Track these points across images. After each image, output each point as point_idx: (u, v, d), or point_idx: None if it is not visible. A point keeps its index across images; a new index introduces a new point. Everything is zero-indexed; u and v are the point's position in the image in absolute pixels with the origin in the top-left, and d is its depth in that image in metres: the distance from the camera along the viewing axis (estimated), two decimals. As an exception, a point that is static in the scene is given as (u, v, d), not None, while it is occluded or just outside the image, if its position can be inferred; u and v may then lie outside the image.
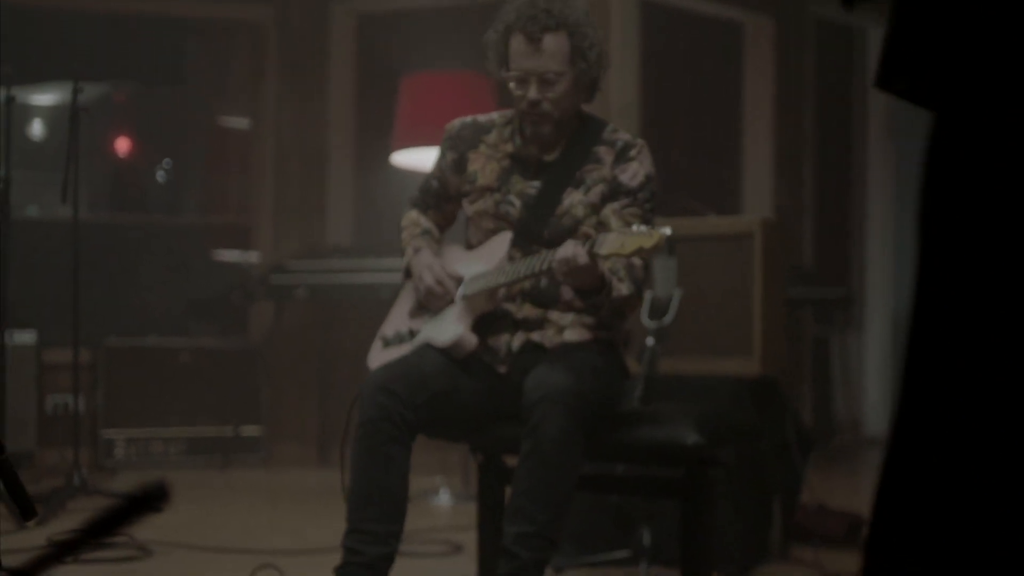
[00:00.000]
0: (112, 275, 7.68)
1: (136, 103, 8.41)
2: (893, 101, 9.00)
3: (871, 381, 9.08)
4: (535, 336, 3.69)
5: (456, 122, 3.93)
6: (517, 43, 3.67)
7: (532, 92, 3.67)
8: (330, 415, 7.56)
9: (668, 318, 4.16)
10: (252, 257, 8.05)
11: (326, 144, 7.88)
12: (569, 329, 3.68)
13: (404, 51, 7.63)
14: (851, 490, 6.49)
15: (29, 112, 7.90)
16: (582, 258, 3.36)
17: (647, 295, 4.20)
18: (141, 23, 7.91)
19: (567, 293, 3.66)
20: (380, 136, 7.13)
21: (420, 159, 6.54)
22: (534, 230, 3.72)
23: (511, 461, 3.64)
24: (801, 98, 8.17)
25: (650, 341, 4.11)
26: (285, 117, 7.94)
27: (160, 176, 8.25)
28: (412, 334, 3.81)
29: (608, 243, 3.30)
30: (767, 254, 4.62)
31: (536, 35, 3.64)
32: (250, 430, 7.44)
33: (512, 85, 3.72)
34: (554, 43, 3.65)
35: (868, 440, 8.95)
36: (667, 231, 3.22)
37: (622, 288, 3.55)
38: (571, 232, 3.67)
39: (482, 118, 3.91)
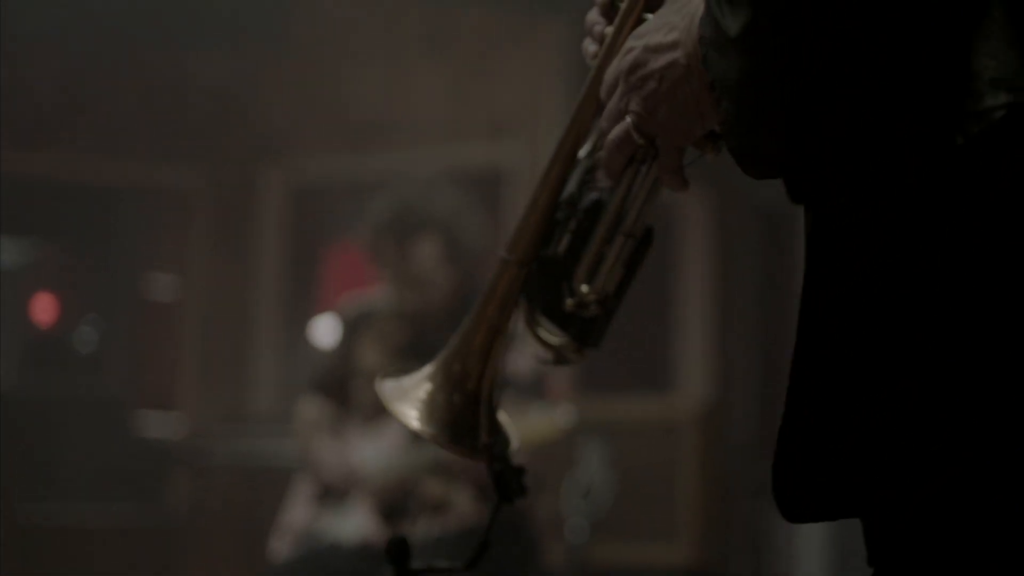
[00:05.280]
0: (26, 444, 7.45)
1: (60, 267, 8.28)
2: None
3: (804, 561, 8.88)
4: (438, 524, 3.52)
5: (347, 304, 3.83)
6: (386, 245, 3.57)
7: (406, 294, 3.57)
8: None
9: (599, 504, 4.01)
10: (175, 425, 7.85)
11: (252, 311, 7.74)
12: (472, 504, 3.52)
13: (333, 221, 7.54)
14: None
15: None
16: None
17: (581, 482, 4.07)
18: (68, 187, 7.80)
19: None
20: (307, 304, 7.01)
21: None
22: None
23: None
24: (740, 288, 7.98)
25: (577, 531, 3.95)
26: (212, 283, 7.80)
27: (83, 334, 8.09)
28: (316, 529, 3.64)
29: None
30: (703, 440, 4.49)
31: (404, 238, 3.54)
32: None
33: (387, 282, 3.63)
34: (422, 247, 3.55)
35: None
36: (569, 417, 3.11)
37: None
38: None
39: (366, 301, 3.80)
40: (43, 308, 8.04)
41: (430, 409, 1.54)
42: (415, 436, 3.51)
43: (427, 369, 1.60)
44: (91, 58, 7.46)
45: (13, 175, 7.41)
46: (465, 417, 1.54)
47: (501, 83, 7.12)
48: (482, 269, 3.67)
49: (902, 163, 1.18)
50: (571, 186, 1.54)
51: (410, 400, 1.55)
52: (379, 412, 3.61)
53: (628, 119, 1.41)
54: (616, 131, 1.43)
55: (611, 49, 1.50)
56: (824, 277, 1.25)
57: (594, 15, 1.58)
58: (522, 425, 3.13)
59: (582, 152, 1.56)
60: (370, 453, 3.59)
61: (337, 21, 7.43)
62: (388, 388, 1.60)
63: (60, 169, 7.69)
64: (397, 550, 1.49)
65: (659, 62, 1.38)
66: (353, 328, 3.72)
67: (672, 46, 1.38)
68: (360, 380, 3.64)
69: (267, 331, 7.76)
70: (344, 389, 3.73)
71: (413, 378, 1.58)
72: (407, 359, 3.61)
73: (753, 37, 1.20)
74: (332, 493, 3.64)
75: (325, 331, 6.47)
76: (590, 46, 1.57)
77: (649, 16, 1.48)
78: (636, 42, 1.42)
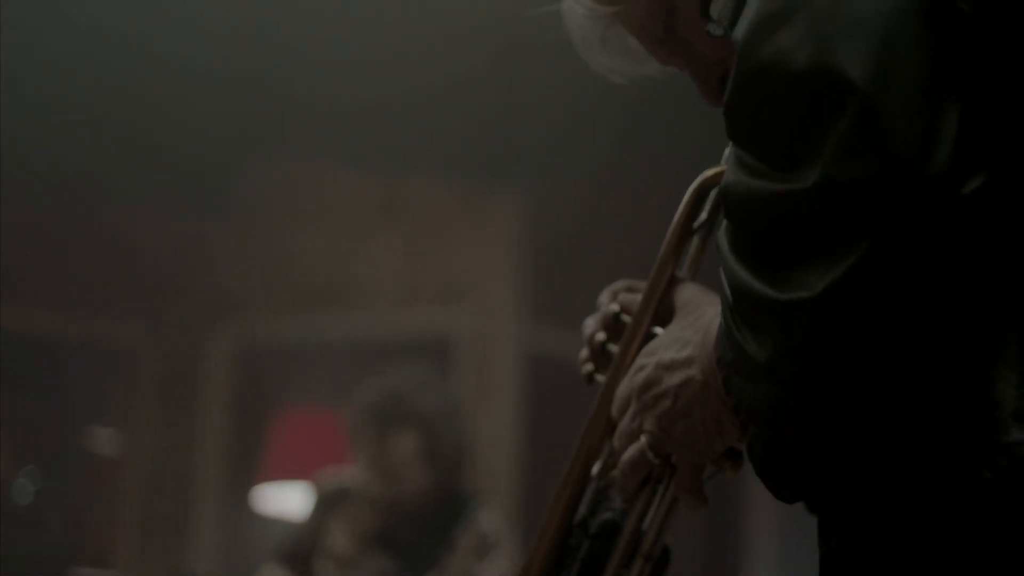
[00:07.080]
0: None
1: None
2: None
3: None
4: None
5: (325, 479, 3.78)
6: (367, 431, 3.55)
7: (379, 483, 3.54)
8: None
9: None
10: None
11: (195, 472, 7.64)
12: None
13: (281, 384, 7.48)
14: None
15: None
16: None
17: None
18: (9, 338, 7.71)
19: None
20: (252, 468, 6.91)
21: (286, 495, 6.32)
22: None
23: None
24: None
25: None
26: (156, 440, 7.70)
27: (20, 486, 7.95)
28: None
29: None
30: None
31: (386, 429, 3.52)
32: None
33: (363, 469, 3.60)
34: (402, 442, 3.53)
35: None
36: None
37: None
38: None
39: (344, 480, 3.76)
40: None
41: None
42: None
43: None
44: (39, 213, 7.42)
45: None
46: None
47: (453, 250, 7.11)
48: (460, 473, 3.63)
49: (932, 494, 1.14)
50: (583, 509, 1.50)
51: None
52: None
53: (643, 439, 1.37)
54: (631, 451, 1.39)
55: (620, 366, 1.46)
56: None
57: (592, 323, 1.55)
58: None
59: (593, 470, 1.51)
60: None
61: (289, 184, 7.42)
62: None
63: (3, 320, 7.60)
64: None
65: (674, 379, 1.35)
66: (327, 505, 3.69)
67: (686, 363, 1.35)
68: (325, 560, 3.61)
69: (210, 493, 7.64)
70: (308, 565, 3.69)
71: None
72: (374, 548, 3.57)
73: (782, 364, 1.15)
74: None
75: (281, 500, 6.36)
76: (585, 355, 1.55)
77: (659, 330, 1.44)
78: (648, 359, 1.39)
